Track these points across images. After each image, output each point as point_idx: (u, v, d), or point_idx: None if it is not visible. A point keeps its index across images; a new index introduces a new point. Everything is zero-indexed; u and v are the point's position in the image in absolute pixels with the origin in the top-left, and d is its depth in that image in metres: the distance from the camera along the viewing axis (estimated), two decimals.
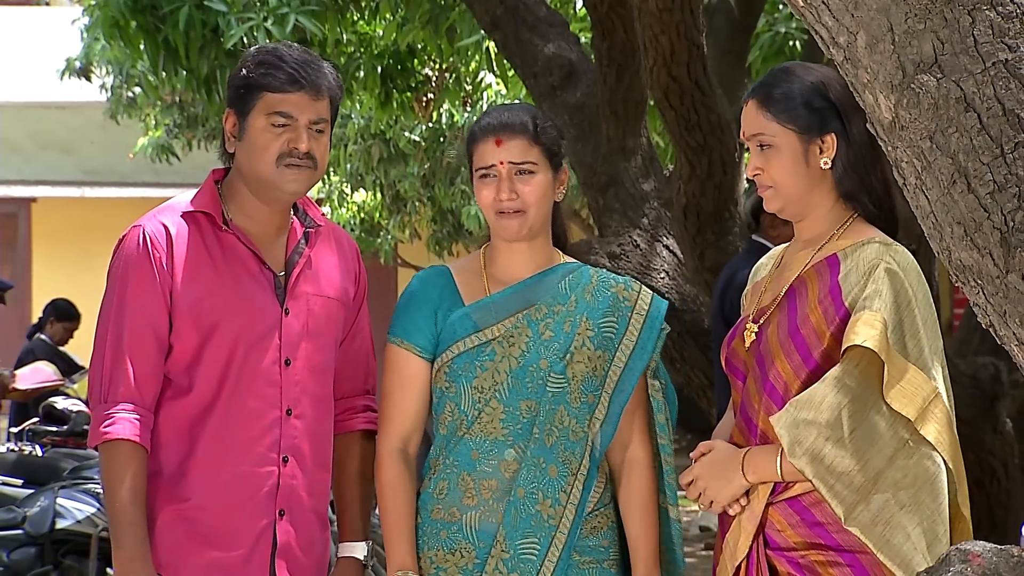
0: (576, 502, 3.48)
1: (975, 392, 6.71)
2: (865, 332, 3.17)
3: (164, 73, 9.06)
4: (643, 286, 3.63)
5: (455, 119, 14.76)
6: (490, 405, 3.49)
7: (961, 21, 2.51)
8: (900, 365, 3.19)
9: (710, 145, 6.98)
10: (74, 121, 20.46)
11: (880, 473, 3.17)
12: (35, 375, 9.39)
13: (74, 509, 7.01)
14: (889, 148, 2.66)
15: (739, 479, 3.30)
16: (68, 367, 10.33)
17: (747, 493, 3.31)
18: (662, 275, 7.24)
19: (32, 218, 21.26)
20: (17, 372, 9.47)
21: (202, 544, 3.43)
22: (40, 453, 7.59)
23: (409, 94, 10.67)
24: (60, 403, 7.92)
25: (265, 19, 8.60)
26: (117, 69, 14.38)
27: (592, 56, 7.78)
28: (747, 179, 7.90)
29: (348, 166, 16.18)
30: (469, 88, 12.07)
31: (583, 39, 8.75)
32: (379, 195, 16.92)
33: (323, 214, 3.64)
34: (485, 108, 12.77)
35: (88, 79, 15.18)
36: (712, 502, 3.35)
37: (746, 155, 7.09)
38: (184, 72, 8.95)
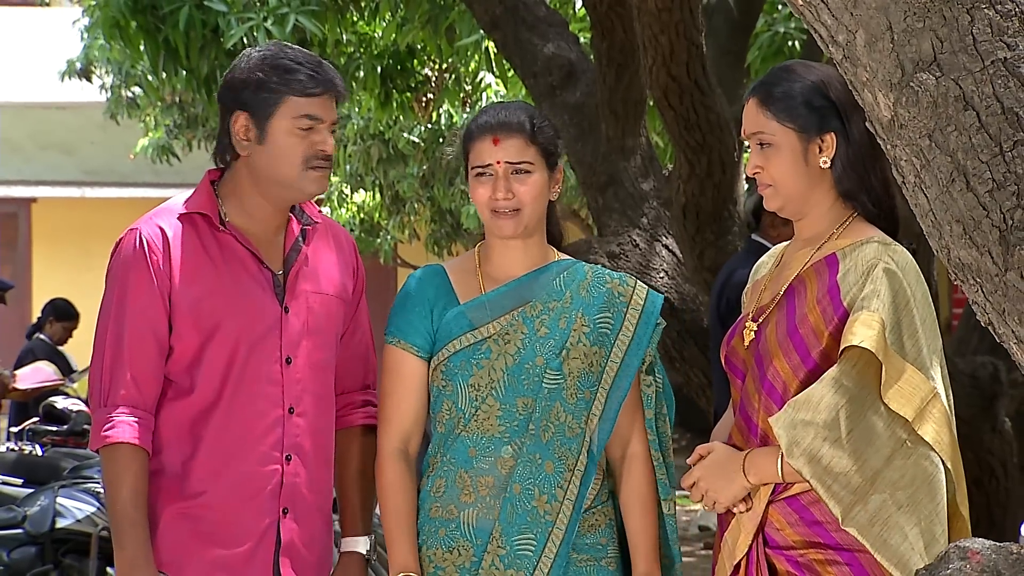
0: (573, 498, 3.48)
1: (974, 391, 6.72)
2: (863, 332, 3.17)
3: (164, 73, 9.07)
4: (638, 281, 3.63)
5: (454, 120, 14.76)
6: (487, 402, 3.49)
7: (960, 19, 2.51)
8: (898, 365, 3.19)
9: (709, 144, 6.99)
10: (74, 121, 20.46)
11: (878, 473, 3.17)
12: (35, 375, 9.39)
13: (74, 508, 7.01)
14: (888, 146, 2.66)
15: (740, 480, 3.30)
16: (67, 369, 10.33)
17: (750, 495, 3.32)
18: (661, 274, 7.24)
19: (32, 218, 21.26)
20: (17, 372, 9.47)
21: (206, 542, 3.43)
22: (40, 452, 7.58)
23: (409, 94, 10.67)
24: (60, 403, 7.91)
25: (265, 19, 8.61)
26: (117, 69, 14.38)
27: (591, 56, 7.78)
28: (746, 179, 7.91)
29: (347, 167, 16.20)
30: (469, 88, 12.07)
31: (582, 39, 8.76)
32: (378, 195, 16.94)
33: (319, 211, 3.64)
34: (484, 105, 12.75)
35: (89, 80, 15.19)
36: (715, 503, 3.35)
37: (745, 155, 7.11)
38: (184, 72, 8.95)
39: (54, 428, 7.74)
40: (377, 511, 3.61)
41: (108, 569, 6.94)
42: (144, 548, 3.36)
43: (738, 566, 3.33)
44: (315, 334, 3.53)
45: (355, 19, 10.05)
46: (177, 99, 15.79)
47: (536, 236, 3.59)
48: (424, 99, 11.49)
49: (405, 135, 15.34)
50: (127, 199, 19.89)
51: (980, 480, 6.69)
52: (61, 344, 11.09)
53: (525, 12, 7.63)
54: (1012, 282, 2.52)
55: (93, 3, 9.35)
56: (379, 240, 17.64)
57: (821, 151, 3.35)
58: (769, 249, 3.69)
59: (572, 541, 3.48)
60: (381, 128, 15.12)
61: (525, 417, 3.49)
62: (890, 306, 3.20)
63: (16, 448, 7.62)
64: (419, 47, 10.34)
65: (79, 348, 9.19)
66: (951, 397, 3.29)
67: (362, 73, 10.31)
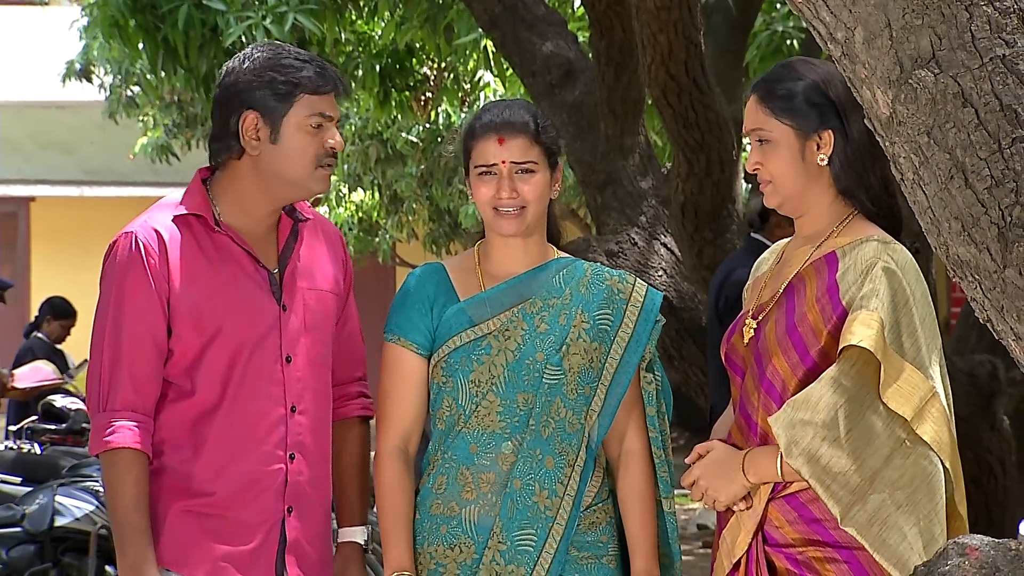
0: (573, 494, 3.49)
1: (972, 390, 6.73)
2: (861, 332, 3.17)
3: (163, 72, 9.07)
4: (637, 278, 3.63)
5: (452, 120, 14.78)
6: (487, 398, 3.50)
7: (958, 16, 2.51)
8: (897, 364, 3.19)
9: (708, 143, 6.99)
10: (74, 121, 20.46)
11: (877, 473, 3.17)
12: (34, 374, 9.40)
13: (73, 507, 7.02)
14: (887, 143, 2.66)
15: (740, 479, 3.31)
16: (65, 367, 10.33)
17: (749, 494, 3.32)
18: (660, 273, 7.24)
19: (31, 217, 21.27)
20: (16, 371, 9.48)
21: (212, 539, 3.43)
22: (39, 451, 7.59)
23: (407, 93, 10.68)
24: (59, 401, 7.91)
25: (264, 18, 8.61)
26: (116, 68, 14.38)
27: (590, 54, 7.79)
28: (745, 178, 7.91)
29: (346, 166, 16.22)
30: (467, 87, 12.07)
31: (581, 37, 8.76)
32: (377, 195, 16.96)
33: (308, 206, 3.64)
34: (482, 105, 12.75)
35: (88, 80, 15.18)
36: (715, 501, 3.36)
37: (744, 154, 7.11)
38: (183, 71, 8.95)
39: (53, 426, 7.74)
40: (374, 509, 3.61)
41: (107, 567, 6.95)
42: (147, 552, 3.36)
43: (737, 564, 3.33)
44: (313, 331, 3.53)
45: (354, 18, 10.05)
46: (176, 98, 15.80)
47: (536, 235, 3.59)
48: (423, 98, 11.49)
49: (403, 135, 15.35)
50: (126, 198, 19.89)
51: (979, 479, 6.69)
52: (59, 342, 11.09)
53: (524, 11, 7.64)
54: (1010, 279, 2.52)
55: (92, 2, 9.34)
56: (377, 239, 17.66)
57: (819, 148, 3.35)
58: (768, 247, 3.69)
59: (572, 537, 3.49)
60: (379, 128, 15.13)
61: (525, 413, 3.49)
62: (889, 305, 3.21)
63: (15, 446, 7.63)
64: (418, 46, 10.34)
65: (77, 345, 9.19)
66: (950, 396, 3.29)
67: (361, 72, 10.32)
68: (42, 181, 20.79)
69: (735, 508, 3.34)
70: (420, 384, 3.55)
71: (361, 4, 9.74)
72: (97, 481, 6.93)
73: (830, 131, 3.34)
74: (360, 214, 17.51)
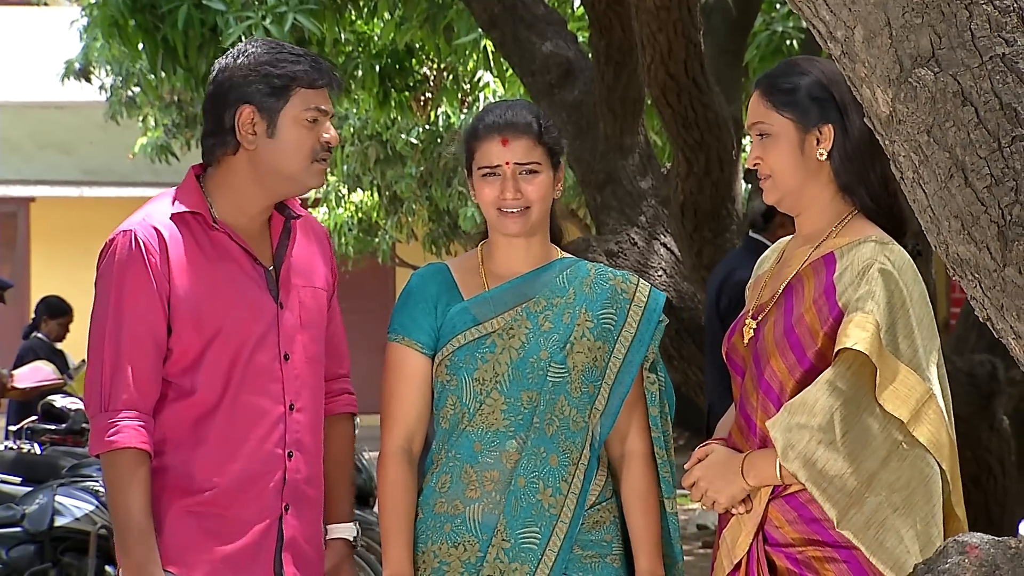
0: (577, 492, 3.49)
1: (972, 389, 6.73)
2: (856, 334, 3.17)
3: (163, 72, 9.07)
4: (640, 279, 3.65)
5: (451, 121, 14.79)
6: (491, 396, 3.50)
7: (958, 15, 2.51)
8: (892, 366, 3.18)
9: (707, 143, 6.99)
10: (73, 121, 20.46)
11: (873, 475, 3.17)
12: (34, 374, 9.39)
13: (73, 507, 7.02)
14: (886, 142, 2.66)
15: (740, 481, 3.31)
16: (65, 367, 10.33)
17: (749, 496, 3.32)
18: (660, 273, 7.25)
19: (31, 217, 21.27)
20: (16, 372, 9.47)
21: (212, 539, 3.42)
22: (39, 451, 7.59)
23: (407, 93, 10.68)
24: (59, 401, 7.90)
25: (263, 18, 8.61)
26: (116, 68, 14.39)
27: (590, 54, 7.79)
28: (744, 178, 7.90)
29: (345, 167, 16.24)
30: (467, 87, 12.08)
31: (581, 37, 8.76)
32: (376, 196, 16.97)
33: (299, 203, 3.64)
34: (483, 106, 12.77)
35: (88, 80, 15.18)
36: (715, 503, 3.36)
37: (743, 155, 7.11)
38: (183, 71, 8.95)
39: (53, 427, 7.73)
40: (375, 508, 3.60)
41: (107, 567, 6.95)
42: (152, 553, 3.34)
43: (738, 564, 3.33)
44: (308, 328, 3.53)
45: (353, 18, 10.06)
46: (176, 98, 15.80)
47: (539, 234, 3.60)
48: (422, 98, 11.50)
49: (403, 136, 15.36)
50: (126, 198, 19.87)
51: (978, 478, 6.70)
52: (59, 341, 11.10)
53: (523, 10, 7.64)
54: (1010, 277, 2.52)
55: (92, 2, 9.34)
56: (377, 240, 17.67)
57: (819, 143, 3.35)
58: (768, 246, 3.69)
59: (576, 535, 3.49)
60: (379, 129, 15.15)
61: (530, 411, 3.49)
62: (885, 307, 3.20)
63: (15, 446, 7.62)
64: (417, 46, 10.35)
65: (77, 347, 9.19)
66: (949, 396, 3.28)
67: (360, 72, 10.32)
68: (42, 181, 20.79)
69: (734, 511, 3.34)
70: (424, 383, 3.56)
71: (361, 4, 9.74)
72: (97, 481, 6.93)
73: (830, 125, 3.34)
74: (360, 215, 17.53)
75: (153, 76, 9.53)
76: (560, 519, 3.47)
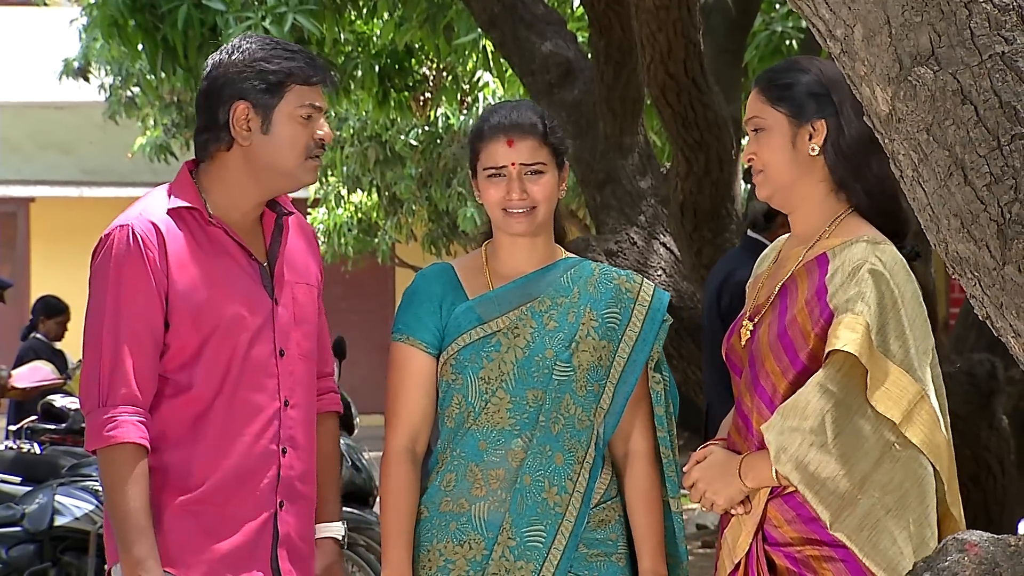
0: (582, 490, 3.50)
1: (971, 388, 6.73)
2: (846, 336, 3.16)
3: (163, 72, 9.07)
4: (644, 279, 3.65)
5: (451, 122, 14.79)
6: (497, 395, 3.50)
7: (958, 14, 2.51)
8: (884, 367, 3.18)
9: (707, 142, 6.99)
10: (73, 121, 20.46)
11: (866, 477, 3.17)
12: (34, 374, 9.38)
13: (72, 506, 7.02)
14: (886, 141, 2.66)
15: (737, 483, 3.31)
16: (64, 367, 10.33)
17: (748, 497, 3.33)
18: (659, 272, 7.24)
19: (31, 217, 21.27)
20: (15, 371, 9.47)
21: (209, 537, 3.41)
22: (39, 451, 7.59)
23: (407, 93, 10.68)
24: (58, 401, 7.91)
25: (263, 18, 8.62)
26: (116, 68, 14.38)
27: (589, 54, 7.79)
28: (744, 179, 7.90)
29: (345, 168, 16.24)
30: (466, 87, 12.08)
31: (580, 37, 8.77)
32: (376, 196, 16.98)
33: (289, 200, 3.64)
34: (483, 107, 12.78)
35: (86, 79, 15.17)
36: (713, 504, 3.36)
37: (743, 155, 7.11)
38: (182, 71, 8.95)
39: (52, 426, 7.74)
40: (375, 508, 3.60)
41: (106, 567, 6.94)
42: (153, 550, 3.33)
43: (739, 564, 3.33)
44: (302, 324, 3.53)
45: (353, 18, 10.06)
46: (175, 98, 15.80)
47: (544, 234, 3.60)
48: (422, 98, 11.50)
49: (402, 137, 15.37)
50: (125, 198, 19.83)
51: (977, 477, 6.70)
52: (58, 340, 11.11)
53: (523, 10, 7.64)
54: (1010, 276, 2.52)
55: (91, 2, 9.35)
56: (376, 240, 17.67)
57: (811, 138, 3.35)
58: (766, 246, 3.69)
59: (581, 534, 3.50)
60: (378, 130, 15.16)
61: (535, 409, 3.50)
62: (876, 308, 3.19)
63: (15, 446, 7.62)
64: (417, 46, 10.35)
65: (77, 347, 9.19)
66: (944, 396, 3.28)
67: (360, 72, 10.33)
68: (41, 181, 20.79)
69: (733, 512, 3.34)
70: (428, 383, 3.56)
71: (360, 4, 9.75)
72: (97, 480, 6.93)
73: (823, 121, 3.34)
74: (359, 215, 17.53)
75: (153, 76, 9.53)
76: (565, 517, 3.48)
